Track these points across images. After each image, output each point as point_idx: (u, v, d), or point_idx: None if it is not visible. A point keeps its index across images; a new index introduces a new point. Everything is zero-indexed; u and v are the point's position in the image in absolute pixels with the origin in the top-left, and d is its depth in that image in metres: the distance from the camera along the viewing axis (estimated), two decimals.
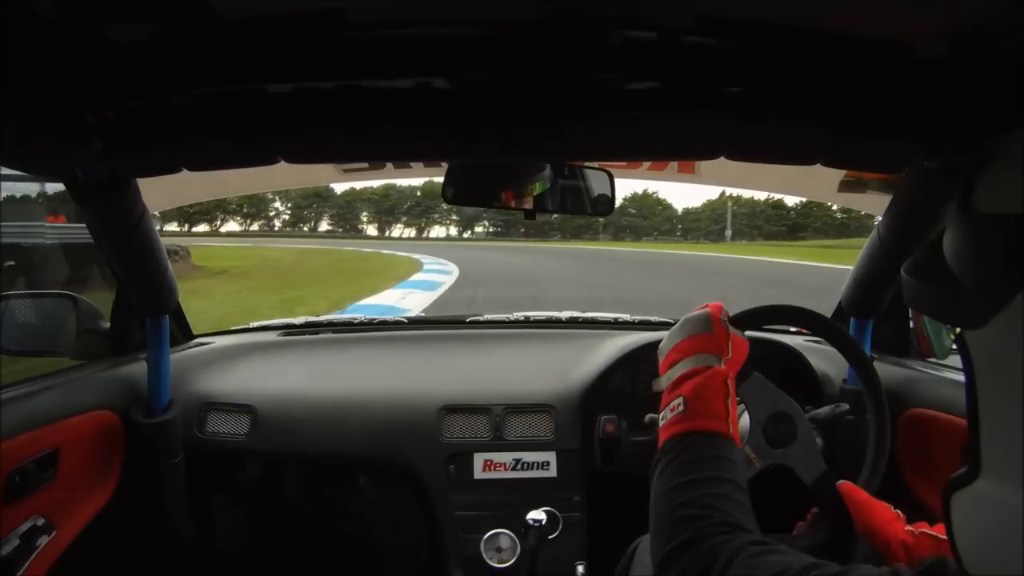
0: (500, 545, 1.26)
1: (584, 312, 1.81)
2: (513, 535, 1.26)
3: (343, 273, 15.21)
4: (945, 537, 0.51)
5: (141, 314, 1.23)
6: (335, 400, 1.36)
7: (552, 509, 1.25)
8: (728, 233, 50.70)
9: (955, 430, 1.09)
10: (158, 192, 1.20)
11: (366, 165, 1.66)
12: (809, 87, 0.81)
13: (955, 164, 0.85)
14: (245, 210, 53.23)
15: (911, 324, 1.36)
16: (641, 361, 1.38)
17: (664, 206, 58.94)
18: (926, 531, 0.82)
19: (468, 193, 1.16)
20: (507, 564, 1.25)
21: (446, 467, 1.30)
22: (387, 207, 56.38)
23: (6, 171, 0.82)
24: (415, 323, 1.79)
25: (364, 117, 0.84)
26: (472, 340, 1.66)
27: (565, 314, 1.79)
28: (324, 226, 55.14)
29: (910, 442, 1.19)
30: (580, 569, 1.24)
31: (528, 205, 1.17)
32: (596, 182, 1.23)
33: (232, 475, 1.49)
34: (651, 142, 0.88)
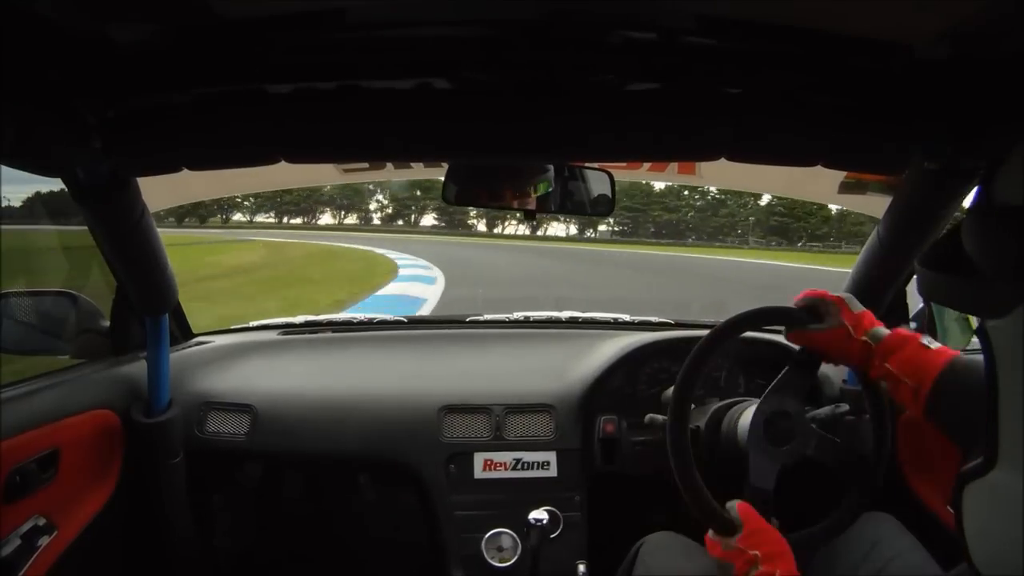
0: (501, 544, 1.26)
1: (584, 312, 1.81)
2: (514, 534, 1.26)
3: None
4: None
5: (141, 313, 1.23)
6: (335, 400, 1.36)
7: (553, 508, 1.26)
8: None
9: None
10: (158, 191, 1.20)
11: (366, 165, 1.66)
12: (809, 88, 0.81)
13: (955, 165, 0.85)
14: (338, 203, 50.20)
15: (910, 323, 1.36)
16: (641, 361, 1.39)
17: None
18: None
19: (469, 193, 1.16)
20: (508, 564, 1.25)
21: (446, 467, 1.30)
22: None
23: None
24: (415, 323, 1.79)
25: (364, 117, 0.84)
26: (472, 340, 1.66)
27: (565, 314, 1.79)
28: (429, 220, 48.81)
29: (911, 442, 1.19)
30: (581, 568, 1.24)
31: (529, 205, 1.17)
32: (596, 183, 1.23)
33: (232, 475, 1.49)
34: (651, 143, 0.88)
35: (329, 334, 1.69)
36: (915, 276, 0.55)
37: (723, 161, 0.89)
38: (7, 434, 0.91)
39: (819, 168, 0.88)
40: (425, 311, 7.24)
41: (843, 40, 0.70)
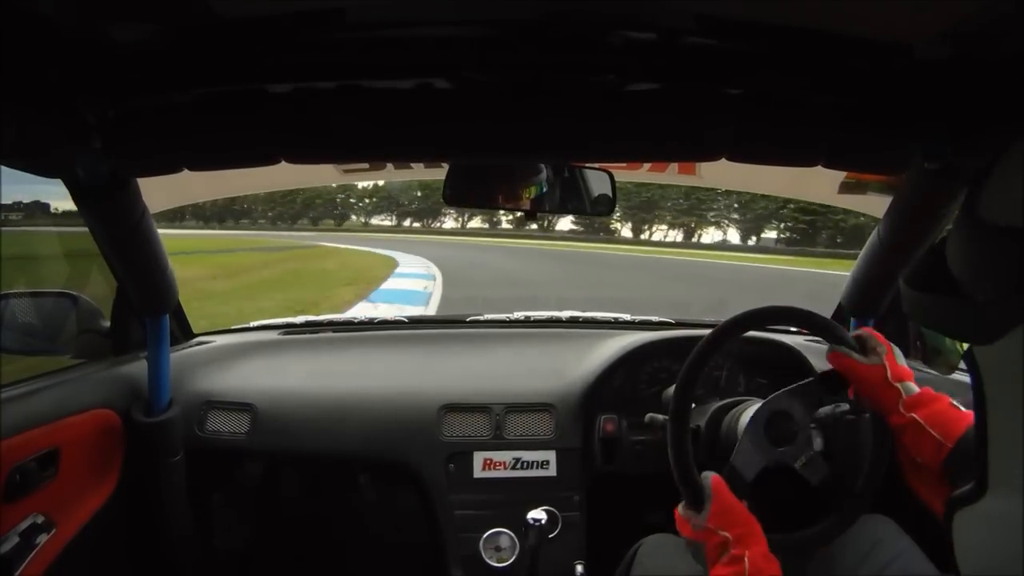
0: (500, 544, 1.26)
1: (584, 312, 1.81)
2: (512, 534, 1.26)
3: None
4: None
5: (141, 313, 1.23)
6: (335, 399, 1.36)
7: (552, 508, 1.25)
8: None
9: None
10: (158, 191, 1.20)
11: (366, 165, 1.66)
12: (810, 88, 0.81)
13: (956, 165, 0.85)
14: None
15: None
16: (641, 361, 1.39)
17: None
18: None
19: (468, 194, 1.16)
20: (506, 563, 1.25)
21: (446, 466, 1.30)
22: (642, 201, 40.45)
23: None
24: (415, 322, 1.79)
25: (364, 117, 0.84)
26: (472, 339, 1.66)
27: (565, 314, 1.79)
28: (567, 225, 41.66)
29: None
30: (579, 569, 1.24)
31: (528, 206, 1.17)
32: (596, 182, 1.23)
33: (232, 474, 1.49)
34: (652, 143, 0.88)
35: (329, 334, 1.69)
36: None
37: (723, 161, 0.89)
38: (8, 433, 0.91)
39: (819, 168, 0.88)
40: None
41: (843, 40, 0.70)
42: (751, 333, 1.11)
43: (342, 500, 1.52)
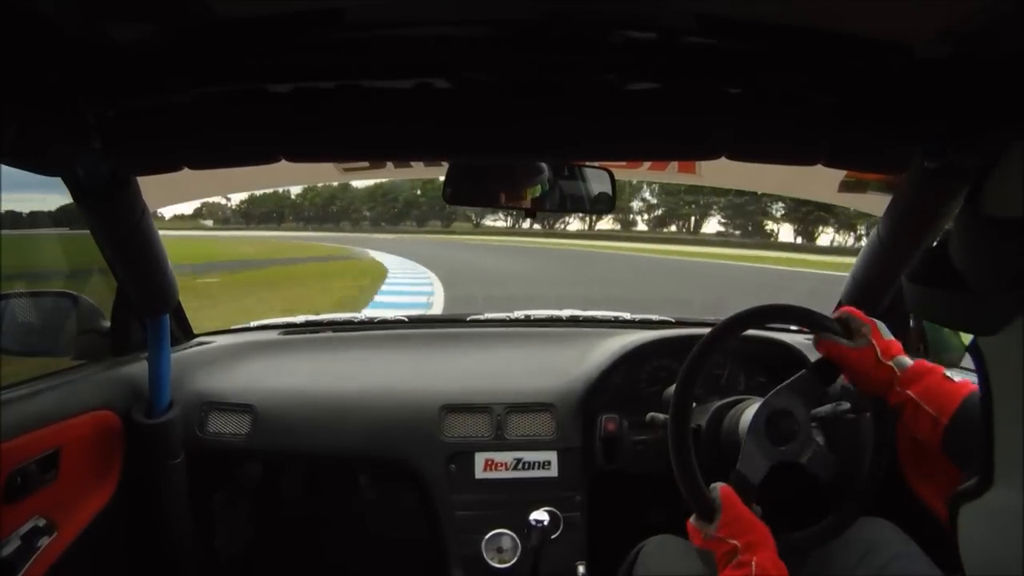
0: (501, 545, 1.26)
1: (584, 311, 1.81)
2: (514, 535, 1.26)
3: None
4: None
5: (141, 313, 1.23)
6: (336, 399, 1.36)
7: (553, 509, 1.26)
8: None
9: None
10: (158, 190, 1.20)
11: (366, 164, 1.66)
12: (810, 88, 0.81)
13: (956, 164, 0.85)
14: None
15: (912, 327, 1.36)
16: (642, 360, 1.39)
17: None
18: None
19: (469, 193, 1.16)
20: (508, 564, 1.25)
21: (447, 466, 1.30)
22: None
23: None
24: (416, 322, 1.79)
25: (364, 117, 0.84)
26: (473, 339, 1.66)
27: (566, 313, 1.79)
28: (713, 226, 39.55)
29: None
30: (581, 569, 1.24)
31: (528, 204, 1.17)
32: (596, 181, 1.23)
33: (233, 475, 1.49)
34: (652, 142, 0.88)
35: (329, 334, 1.69)
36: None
37: (723, 160, 0.89)
38: (8, 435, 0.91)
39: (819, 167, 0.89)
40: None
41: (843, 39, 0.70)
42: (751, 331, 1.11)
43: (343, 501, 1.53)
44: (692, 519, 0.89)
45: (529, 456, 1.30)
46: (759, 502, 0.91)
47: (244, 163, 0.92)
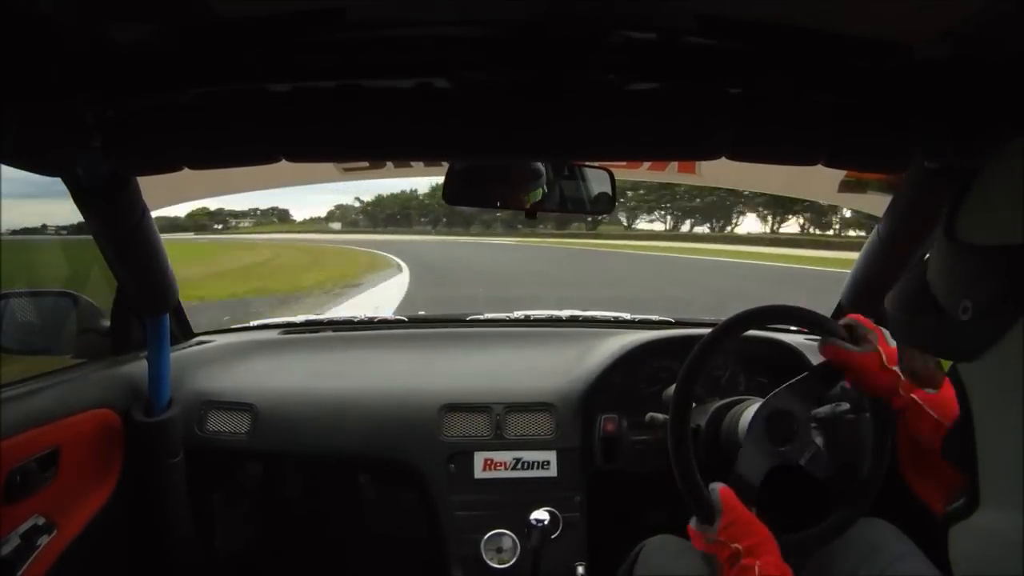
0: (501, 546, 1.26)
1: (584, 311, 1.81)
2: (513, 536, 1.26)
3: None
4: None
5: (141, 313, 1.23)
6: (335, 399, 1.36)
7: (553, 509, 1.26)
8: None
9: None
10: (159, 191, 1.20)
11: (366, 165, 1.66)
12: (810, 88, 0.81)
13: (955, 165, 0.85)
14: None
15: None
16: (641, 360, 1.39)
17: None
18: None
19: (469, 193, 1.16)
20: (507, 565, 1.25)
21: (446, 466, 1.30)
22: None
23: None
24: (415, 322, 1.79)
25: (364, 117, 0.84)
26: (472, 339, 1.66)
27: (565, 313, 1.79)
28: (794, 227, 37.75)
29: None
30: (580, 570, 1.24)
31: (528, 205, 1.17)
32: (596, 181, 1.23)
33: (232, 474, 1.49)
34: (652, 142, 0.88)
35: (329, 333, 1.69)
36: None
37: (723, 160, 0.89)
38: (7, 433, 0.91)
39: (819, 167, 0.89)
40: None
41: (843, 40, 0.70)
42: (751, 332, 1.11)
43: (342, 500, 1.53)
44: (693, 522, 0.90)
45: (528, 456, 1.30)
46: (759, 503, 0.91)
47: (244, 163, 0.92)
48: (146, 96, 0.83)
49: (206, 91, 0.82)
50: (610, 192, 1.23)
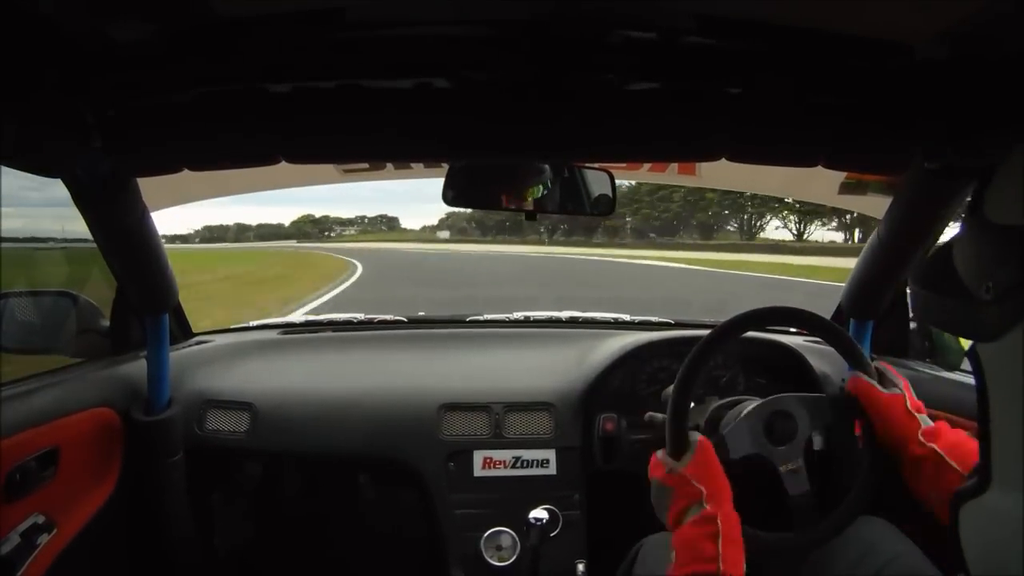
0: (500, 544, 1.26)
1: (584, 312, 1.81)
2: (513, 534, 1.26)
3: None
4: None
5: (141, 312, 1.23)
6: (335, 398, 1.36)
7: (552, 507, 1.26)
8: None
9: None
10: (159, 191, 1.20)
11: (366, 166, 1.66)
12: (809, 88, 0.81)
13: (956, 165, 0.85)
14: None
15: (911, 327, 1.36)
16: (641, 360, 1.39)
17: None
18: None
19: (469, 195, 1.16)
20: (507, 563, 1.25)
21: (446, 465, 1.30)
22: None
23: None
24: (415, 322, 1.79)
25: (364, 117, 0.84)
26: (472, 339, 1.66)
27: (565, 314, 1.79)
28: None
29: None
30: (580, 568, 1.24)
31: (528, 207, 1.17)
32: (596, 182, 1.23)
33: (231, 473, 1.49)
34: (652, 143, 0.88)
35: (329, 333, 1.69)
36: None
37: (723, 161, 0.89)
38: (7, 432, 0.91)
39: (819, 168, 0.88)
40: None
41: (843, 40, 0.70)
42: (751, 333, 1.11)
43: (342, 499, 1.53)
44: (659, 452, 0.87)
45: (528, 454, 1.30)
46: (751, 500, 0.91)
47: (244, 164, 0.92)
48: (146, 96, 0.83)
49: (206, 91, 0.83)
50: (610, 194, 1.23)
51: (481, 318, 1.77)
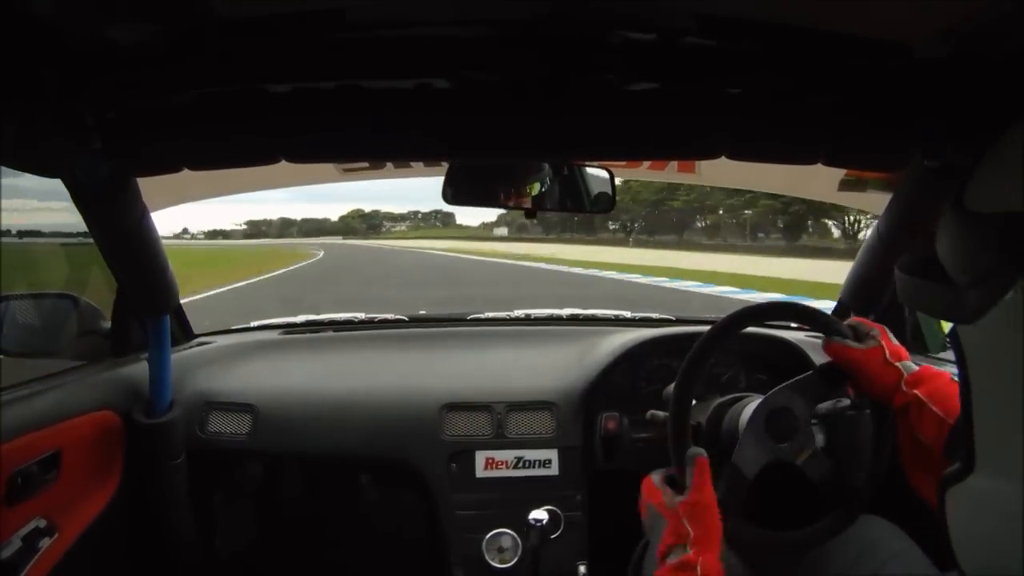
0: (502, 545, 1.26)
1: (584, 309, 1.81)
2: (514, 535, 1.26)
3: None
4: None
5: (142, 314, 1.23)
6: (336, 399, 1.36)
7: (554, 508, 1.26)
8: None
9: None
10: (159, 192, 1.20)
11: (366, 165, 1.66)
12: (809, 87, 0.81)
13: (955, 164, 0.85)
14: None
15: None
16: (642, 358, 1.39)
17: None
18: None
19: (468, 193, 1.16)
20: (508, 564, 1.25)
21: (447, 465, 1.30)
22: None
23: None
24: (416, 321, 1.79)
25: (364, 117, 0.84)
26: (473, 338, 1.66)
27: (566, 312, 1.79)
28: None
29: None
30: (582, 569, 1.24)
31: (528, 204, 1.17)
32: (596, 180, 1.23)
33: (233, 475, 1.49)
34: (652, 142, 0.88)
35: (330, 333, 1.69)
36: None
37: (723, 159, 0.89)
38: (9, 436, 0.91)
39: (819, 166, 0.89)
40: None
41: (843, 39, 0.70)
42: (751, 329, 1.11)
43: (344, 500, 1.53)
44: (655, 477, 0.88)
45: (529, 455, 1.30)
46: (751, 498, 0.91)
47: (244, 164, 0.92)
48: (146, 97, 0.83)
49: (206, 92, 0.82)
50: (610, 192, 1.23)
51: (482, 316, 1.78)
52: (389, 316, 1.78)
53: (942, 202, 0.96)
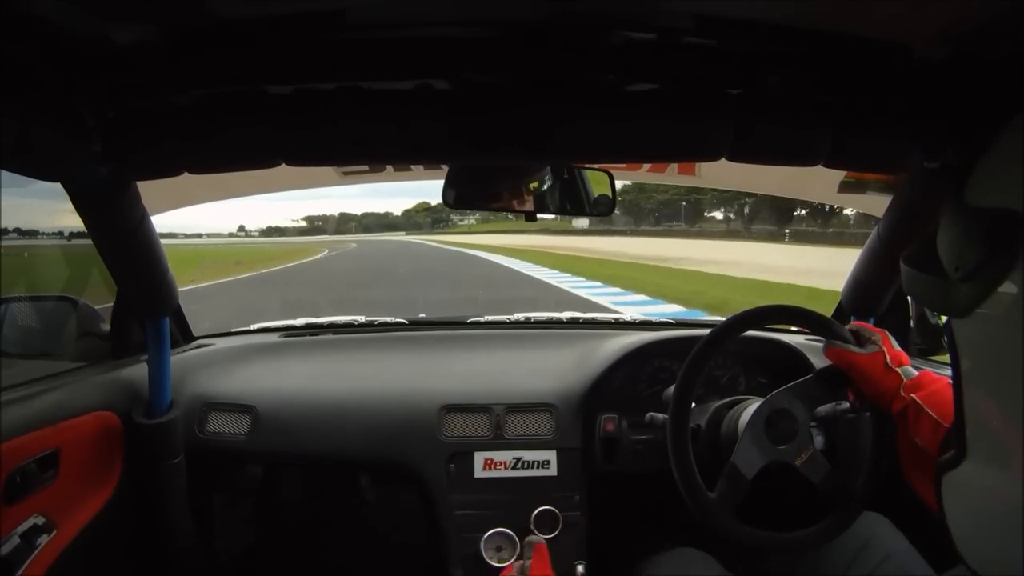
0: (500, 544, 1.26)
1: (584, 312, 1.81)
2: (513, 534, 1.26)
3: None
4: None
5: (141, 317, 1.23)
6: (336, 400, 1.36)
7: (553, 508, 1.25)
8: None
9: None
10: (159, 194, 1.20)
11: (366, 168, 1.66)
12: (809, 88, 0.81)
13: (955, 165, 0.85)
14: None
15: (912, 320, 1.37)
16: (642, 360, 1.39)
17: None
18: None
19: (469, 195, 1.16)
20: (507, 563, 1.25)
21: (446, 466, 1.30)
22: None
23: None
24: (416, 324, 1.79)
25: (364, 119, 0.84)
26: (472, 340, 1.66)
27: (566, 314, 1.79)
28: None
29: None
30: (580, 569, 1.23)
31: (527, 206, 1.17)
32: (596, 183, 1.23)
33: (233, 476, 1.49)
34: (652, 144, 0.88)
35: (330, 336, 1.69)
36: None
37: (723, 161, 0.89)
38: (8, 435, 0.91)
39: (819, 167, 0.89)
40: None
41: (843, 40, 0.70)
42: (751, 332, 1.11)
43: (343, 501, 1.52)
44: None
45: (528, 455, 1.30)
46: (751, 500, 0.91)
47: (244, 166, 0.92)
48: (146, 98, 0.83)
49: (206, 93, 0.82)
50: (610, 194, 1.23)
51: (481, 319, 1.78)
52: (389, 319, 1.78)
53: (942, 203, 0.97)
